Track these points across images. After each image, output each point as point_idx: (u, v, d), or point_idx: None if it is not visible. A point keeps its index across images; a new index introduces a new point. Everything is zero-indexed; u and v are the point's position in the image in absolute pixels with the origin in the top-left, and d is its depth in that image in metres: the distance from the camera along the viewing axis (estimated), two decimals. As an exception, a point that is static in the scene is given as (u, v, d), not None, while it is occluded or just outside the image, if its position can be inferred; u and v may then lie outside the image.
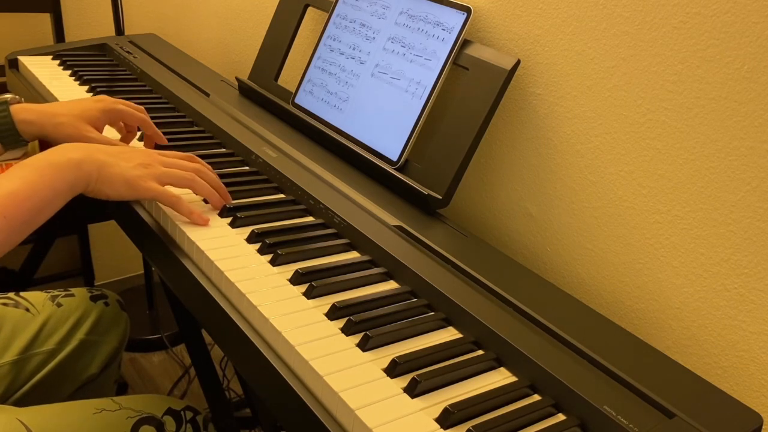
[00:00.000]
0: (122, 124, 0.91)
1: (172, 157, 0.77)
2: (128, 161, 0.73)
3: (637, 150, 0.75)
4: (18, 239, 0.65)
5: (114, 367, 1.03)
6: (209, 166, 0.79)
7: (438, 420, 0.52)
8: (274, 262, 0.68)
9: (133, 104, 0.90)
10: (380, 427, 0.49)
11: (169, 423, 0.79)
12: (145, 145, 0.91)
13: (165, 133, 0.93)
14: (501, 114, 0.89)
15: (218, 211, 0.77)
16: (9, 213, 0.63)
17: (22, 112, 0.83)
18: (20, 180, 0.65)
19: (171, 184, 0.74)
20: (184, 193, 0.77)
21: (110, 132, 0.93)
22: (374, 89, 0.93)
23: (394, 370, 0.56)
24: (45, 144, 0.86)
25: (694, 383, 0.58)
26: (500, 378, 0.58)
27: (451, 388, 0.56)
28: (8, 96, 0.85)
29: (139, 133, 0.94)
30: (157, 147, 0.89)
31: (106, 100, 0.87)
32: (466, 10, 0.84)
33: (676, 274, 0.74)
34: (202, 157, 0.90)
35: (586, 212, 0.82)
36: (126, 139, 0.91)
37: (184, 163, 0.76)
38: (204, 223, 0.72)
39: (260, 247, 0.70)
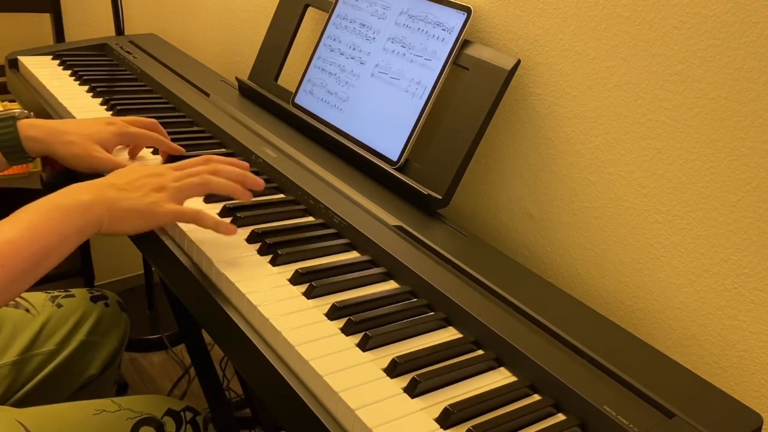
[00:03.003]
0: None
1: (186, 166, 0.73)
2: (139, 190, 0.68)
3: (637, 150, 0.75)
4: (19, 289, 0.60)
5: (114, 368, 1.03)
6: (228, 159, 0.75)
7: (438, 420, 0.52)
8: (274, 262, 0.68)
9: (143, 120, 0.87)
10: (380, 427, 0.49)
11: (169, 423, 0.79)
12: (161, 157, 0.88)
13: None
14: (501, 114, 0.89)
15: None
16: (8, 263, 0.58)
17: (30, 128, 0.80)
18: (22, 225, 0.61)
19: (189, 197, 0.71)
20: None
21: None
22: (374, 89, 0.93)
23: (394, 370, 0.56)
24: (47, 157, 0.84)
25: (694, 383, 0.58)
26: (500, 378, 0.58)
27: (451, 388, 0.56)
28: (16, 111, 0.81)
29: (150, 148, 0.92)
30: (174, 157, 0.86)
31: (117, 123, 0.84)
32: (466, 10, 0.84)
33: (676, 274, 0.74)
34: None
35: (586, 212, 0.82)
36: (134, 150, 0.88)
37: (198, 168, 0.72)
38: (233, 232, 0.69)
39: (260, 247, 0.70)
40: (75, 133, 0.81)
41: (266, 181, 0.86)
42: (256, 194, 0.82)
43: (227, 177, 0.72)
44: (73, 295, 1.00)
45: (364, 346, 0.58)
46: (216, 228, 0.68)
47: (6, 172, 1.32)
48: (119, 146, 0.88)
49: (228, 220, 0.75)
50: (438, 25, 0.87)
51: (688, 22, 0.69)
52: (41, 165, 1.40)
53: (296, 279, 0.66)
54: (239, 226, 0.74)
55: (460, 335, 0.63)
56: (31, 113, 0.84)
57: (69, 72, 1.17)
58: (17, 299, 0.95)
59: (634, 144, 0.75)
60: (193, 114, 1.03)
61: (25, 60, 1.20)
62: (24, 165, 1.32)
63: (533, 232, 0.89)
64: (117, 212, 0.66)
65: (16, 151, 0.81)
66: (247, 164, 0.76)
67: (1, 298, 0.59)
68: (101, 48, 1.33)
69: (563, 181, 0.83)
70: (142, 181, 0.69)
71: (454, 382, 0.57)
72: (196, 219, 0.68)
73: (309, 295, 0.64)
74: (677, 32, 0.70)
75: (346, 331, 0.60)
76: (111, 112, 1.02)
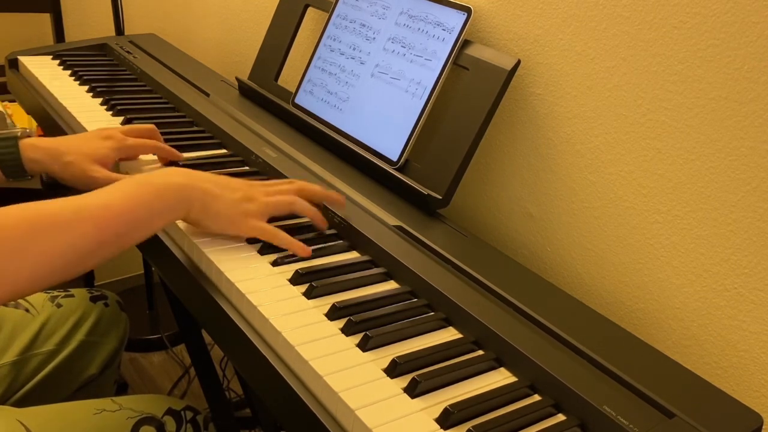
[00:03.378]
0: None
1: (274, 185, 0.75)
2: (233, 193, 0.70)
3: (637, 150, 0.75)
4: (107, 254, 0.62)
5: (114, 368, 1.03)
6: (310, 186, 0.77)
7: (438, 420, 0.52)
8: (274, 263, 0.68)
9: (141, 128, 0.87)
10: (380, 427, 0.49)
11: (170, 423, 0.79)
12: (160, 161, 0.88)
13: (165, 133, 0.93)
14: (501, 114, 0.89)
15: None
16: (101, 223, 0.61)
17: (31, 149, 0.81)
18: (119, 194, 0.63)
19: (274, 213, 0.72)
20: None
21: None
22: (374, 89, 0.93)
23: (394, 370, 0.56)
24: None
25: (694, 383, 0.58)
26: (500, 378, 0.58)
27: (451, 388, 0.56)
28: (18, 130, 0.82)
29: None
30: (171, 163, 0.87)
31: (115, 137, 0.84)
32: (467, 10, 0.84)
33: (676, 274, 0.74)
34: (203, 157, 0.90)
35: (586, 212, 0.82)
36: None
37: (286, 188, 0.74)
38: (306, 254, 0.70)
39: (260, 247, 0.70)
40: (73, 153, 0.81)
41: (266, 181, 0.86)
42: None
43: (312, 196, 0.75)
44: (72, 295, 1.00)
45: (364, 346, 0.58)
46: (290, 247, 0.70)
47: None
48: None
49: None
50: (438, 25, 0.87)
51: (688, 22, 0.69)
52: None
53: (296, 279, 0.66)
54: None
55: (460, 335, 0.63)
56: (33, 132, 0.84)
57: (69, 72, 1.17)
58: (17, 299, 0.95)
59: (634, 144, 0.75)
60: (193, 114, 1.03)
61: (25, 60, 1.20)
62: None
63: (533, 232, 0.89)
64: (210, 207, 0.68)
65: (17, 170, 0.81)
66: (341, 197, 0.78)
67: (93, 257, 0.61)
68: (101, 48, 1.33)
69: (563, 181, 0.83)
70: (237, 185, 0.71)
71: (454, 383, 0.57)
72: (274, 239, 0.70)
73: (309, 295, 0.64)
74: (677, 32, 0.70)
75: (346, 331, 0.60)
76: (111, 112, 1.02)
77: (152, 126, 0.88)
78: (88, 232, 0.60)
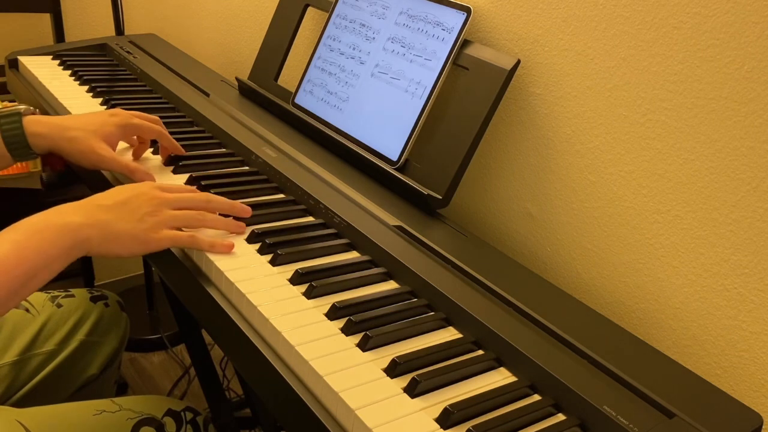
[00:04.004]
0: (136, 137, 0.88)
1: (177, 191, 0.72)
2: (134, 212, 0.67)
3: (637, 150, 0.75)
4: (3, 310, 0.59)
5: (114, 368, 1.03)
6: (216, 197, 0.74)
7: (438, 420, 0.52)
8: (274, 262, 0.68)
9: (148, 116, 0.87)
10: (380, 427, 0.49)
11: (170, 424, 0.79)
12: (161, 156, 0.88)
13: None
14: (501, 114, 0.89)
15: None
16: None
17: (35, 124, 0.80)
18: (9, 245, 0.59)
19: (182, 227, 0.70)
20: None
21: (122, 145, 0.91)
22: (374, 89, 0.93)
23: (394, 370, 0.56)
24: (48, 156, 0.84)
25: (694, 383, 0.58)
26: (500, 378, 0.58)
27: (451, 388, 0.56)
28: (22, 107, 0.82)
29: (151, 149, 0.92)
30: (174, 159, 0.87)
31: (121, 114, 0.84)
32: (466, 10, 0.84)
33: (676, 274, 0.74)
34: (203, 157, 0.90)
35: (586, 212, 0.82)
36: (138, 150, 0.88)
37: (190, 196, 0.72)
38: (228, 251, 0.68)
39: (260, 247, 0.70)
40: (79, 129, 0.81)
41: (266, 181, 0.86)
42: (256, 195, 0.82)
43: (219, 209, 0.72)
44: (73, 295, 1.00)
45: (364, 346, 0.58)
46: (212, 249, 0.68)
47: (6, 172, 1.32)
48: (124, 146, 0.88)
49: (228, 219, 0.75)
50: (438, 24, 0.87)
51: (688, 22, 0.69)
52: (41, 165, 1.40)
53: (296, 279, 0.66)
54: (239, 226, 0.74)
55: (460, 335, 0.63)
56: (36, 110, 0.84)
57: (69, 72, 1.17)
58: (17, 299, 0.94)
59: (634, 144, 0.75)
60: (193, 114, 1.03)
61: (25, 60, 1.20)
62: (24, 165, 1.32)
63: (533, 232, 0.89)
64: (111, 235, 0.65)
65: (21, 147, 0.81)
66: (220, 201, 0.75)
67: None
68: (101, 48, 1.33)
69: (563, 181, 0.83)
70: (136, 202, 0.68)
71: (454, 382, 0.57)
72: (193, 244, 0.68)
73: (309, 295, 0.64)
74: (677, 32, 0.70)
75: (346, 331, 0.60)
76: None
77: (157, 118, 0.88)
78: None
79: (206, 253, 0.68)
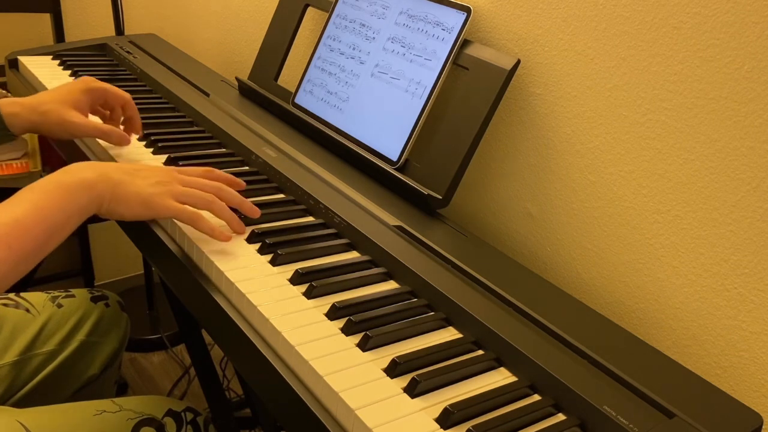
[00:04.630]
0: (106, 111, 0.91)
1: (192, 174, 0.73)
2: (145, 179, 0.69)
3: (637, 150, 0.75)
4: (26, 269, 0.60)
5: (114, 368, 1.03)
6: (233, 179, 0.76)
7: (438, 420, 0.52)
8: (274, 262, 0.68)
9: (116, 89, 0.90)
10: (380, 427, 0.50)
11: (170, 424, 0.79)
12: (125, 129, 0.90)
13: (165, 133, 0.93)
14: (501, 114, 0.89)
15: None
16: (15, 243, 0.58)
17: (9, 105, 0.82)
18: (28, 204, 0.60)
19: (189, 204, 0.70)
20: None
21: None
22: (374, 89, 0.93)
23: (394, 370, 0.56)
24: (43, 139, 0.86)
25: (694, 383, 0.58)
26: (500, 378, 0.58)
27: (451, 388, 0.56)
28: None
29: (143, 142, 0.93)
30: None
31: (86, 81, 0.87)
32: (466, 10, 0.84)
33: (676, 274, 0.74)
34: (202, 156, 0.90)
35: (586, 212, 0.82)
36: (109, 122, 0.90)
37: (204, 181, 0.72)
38: (226, 240, 0.69)
39: (260, 247, 0.70)
40: (48, 102, 0.83)
41: (266, 181, 0.86)
42: (256, 195, 0.82)
43: (230, 200, 0.73)
44: (73, 295, 1.00)
45: (364, 346, 0.58)
46: (211, 234, 0.69)
47: (6, 172, 1.32)
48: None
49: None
50: (438, 24, 0.87)
51: (688, 22, 0.69)
52: (41, 165, 1.40)
53: (296, 279, 0.66)
54: (239, 226, 0.74)
55: (460, 335, 0.63)
56: (9, 93, 0.86)
57: (69, 72, 1.17)
58: (17, 299, 0.95)
59: (634, 144, 0.75)
60: (193, 114, 1.03)
61: (25, 60, 1.20)
62: (24, 165, 1.32)
63: (533, 232, 0.89)
64: (120, 193, 0.67)
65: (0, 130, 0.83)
66: (244, 184, 0.78)
67: (10, 277, 0.59)
68: (101, 48, 1.33)
69: (563, 181, 0.83)
70: (149, 172, 0.70)
71: (454, 382, 0.57)
72: (195, 221, 0.69)
73: (309, 295, 0.64)
74: (677, 32, 0.70)
75: (346, 331, 0.60)
76: (108, 112, 1.02)
77: (128, 95, 0.90)
78: (2, 254, 0.57)
79: (205, 251, 0.68)
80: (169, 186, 0.70)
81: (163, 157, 0.88)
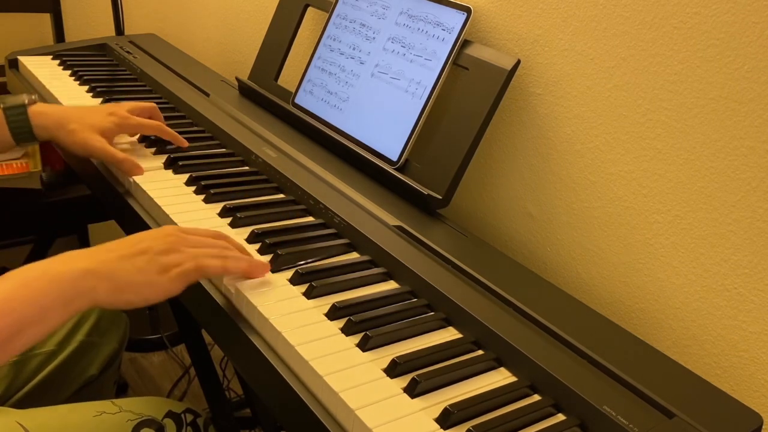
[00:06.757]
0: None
1: (195, 234, 0.66)
2: (143, 253, 0.60)
3: (637, 150, 0.75)
4: None
5: (114, 369, 1.02)
6: (231, 241, 0.68)
7: (438, 420, 0.52)
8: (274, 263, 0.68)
9: (143, 106, 0.90)
10: (380, 427, 0.49)
11: (170, 426, 0.79)
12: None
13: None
14: (501, 114, 0.89)
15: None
16: None
17: (39, 116, 0.84)
18: None
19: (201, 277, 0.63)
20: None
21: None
22: (374, 89, 0.93)
23: (394, 370, 0.56)
24: (45, 145, 0.87)
25: (694, 383, 0.58)
26: (500, 378, 0.58)
27: (451, 388, 0.56)
28: (25, 97, 0.85)
29: (152, 149, 0.93)
30: (174, 159, 0.87)
31: (119, 114, 0.87)
32: (466, 10, 0.84)
33: (676, 274, 0.74)
34: (203, 157, 0.90)
35: (586, 212, 0.82)
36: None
37: (210, 241, 0.65)
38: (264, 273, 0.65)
39: (260, 247, 0.70)
40: (78, 122, 0.84)
41: (266, 181, 0.86)
42: (256, 195, 0.82)
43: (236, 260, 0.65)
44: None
45: (364, 346, 0.58)
46: (247, 273, 0.64)
47: (6, 172, 1.32)
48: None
49: (228, 219, 0.75)
50: (438, 25, 0.87)
51: (688, 22, 0.69)
52: (41, 165, 1.40)
53: (296, 279, 0.66)
54: (239, 226, 0.74)
55: (460, 335, 0.63)
56: (37, 97, 0.88)
57: (69, 72, 1.17)
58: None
59: (634, 144, 0.75)
60: (193, 114, 1.03)
61: (25, 60, 1.20)
62: (24, 165, 1.32)
63: (533, 232, 0.89)
64: (120, 281, 0.58)
65: (27, 136, 0.85)
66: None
67: None
68: (101, 48, 1.33)
69: (563, 181, 0.83)
70: (153, 241, 0.62)
71: (454, 382, 0.57)
72: (206, 274, 0.64)
73: (309, 295, 0.64)
74: (677, 32, 0.70)
75: (346, 331, 0.60)
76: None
77: (153, 104, 0.92)
78: None
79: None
80: (176, 254, 0.62)
81: (164, 157, 0.88)
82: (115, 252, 0.60)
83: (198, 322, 0.71)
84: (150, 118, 0.92)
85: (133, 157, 0.87)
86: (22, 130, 0.84)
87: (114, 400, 0.79)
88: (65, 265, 0.57)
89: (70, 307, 0.56)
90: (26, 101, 0.85)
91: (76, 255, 0.59)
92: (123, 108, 0.89)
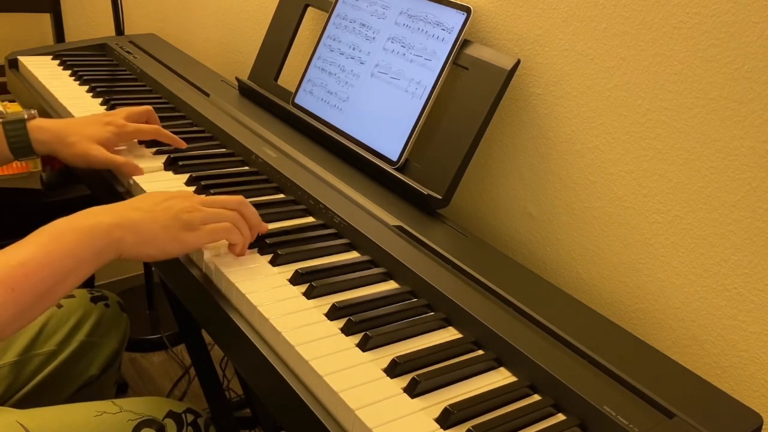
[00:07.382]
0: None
1: (213, 202, 0.69)
2: (167, 210, 0.65)
3: (637, 150, 0.75)
4: (33, 314, 0.57)
5: (114, 369, 1.03)
6: (248, 208, 0.71)
7: (438, 420, 0.52)
8: (274, 262, 0.68)
9: (139, 110, 0.90)
10: (380, 427, 0.50)
11: (170, 426, 0.79)
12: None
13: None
14: (501, 114, 0.89)
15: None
16: (19, 286, 0.55)
17: (38, 131, 0.85)
18: (35, 247, 0.57)
19: (213, 240, 0.67)
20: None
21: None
22: (374, 89, 0.93)
23: (394, 370, 0.56)
24: (47, 156, 0.88)
25: (694, 383, 0.58)
26: (500, 378, 0.58)
27: (451, 388, 0.56)
28: (24, 113, 0.86)
29: (153, 149, 0.93)
30: (174, 159, 0.88)
31: (116, 123, 0.87)
32: (466, 10, 0.84)
33: (676, 274, 0.74)
34: (203, 157, 0.90)
35: (586, 212, 0.82)
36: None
37: (225, 210, 0.69)
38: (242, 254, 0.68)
39: (260, 247, 0.70)
40: (76, 134, 0.85)
41: (266, 181, 0.86)
42: (256, 195, 0.82)
43: (249, 220, 0.70)
44: (73, 296, 1.00)
45: (364, 346, 0.58)
46: (242, 252, 0.69)
47: (6, 172, 1.32)
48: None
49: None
50: (438, 24, 0.87)
51: (688, 22, 0.69)
52: (41, 165, 1.40)
53: (296, 279, 0.66)
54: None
55: (460, 335, 0.63)
56: (35, 111, 0.88)
57: (69, 72, 1.17)
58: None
59: (634, 144, 0.75)
60: (193, 114, 1.03)
61: (25, 60, 1.20)
62: (24, 165, 1.32)
63: (533, 232, 0.89)
64: (144, 234, 0.63)
65: (26, 151, 0.86)
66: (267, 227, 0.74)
67: (15, 323, 0.56)
68: (101, 48, 1.33)
69: (563, 181, 0.83)
70: (171, 202, 0.67)
71: (454, 382, 0.57)
72: (229, 235, 0.68)
73: (309, 295, 0.64)
74: (677, 32, 0.70)
75: (346, 331, 0.60)
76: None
77: (149, 107, 0.92)
78: (2, 298, 0.54)
79: (205, 253, 0.68)
80: (195, 212, 0.66)
81: (164, 158, 0.88)
82: (139, 209, 0.65)
83: (198, 321, 0.71)
84: (147, 121, 0.92)
85: (133, 158, 0.88)
86: (21, 145, 0.84)
87: (114, 400, 0.79)
88: (92, 219, 0.62)
89: (100, 259, 0.61)
90: (25, 116, 0.86)
91: (100, 211, 0.64)
92: (119, 116, 0.89)
